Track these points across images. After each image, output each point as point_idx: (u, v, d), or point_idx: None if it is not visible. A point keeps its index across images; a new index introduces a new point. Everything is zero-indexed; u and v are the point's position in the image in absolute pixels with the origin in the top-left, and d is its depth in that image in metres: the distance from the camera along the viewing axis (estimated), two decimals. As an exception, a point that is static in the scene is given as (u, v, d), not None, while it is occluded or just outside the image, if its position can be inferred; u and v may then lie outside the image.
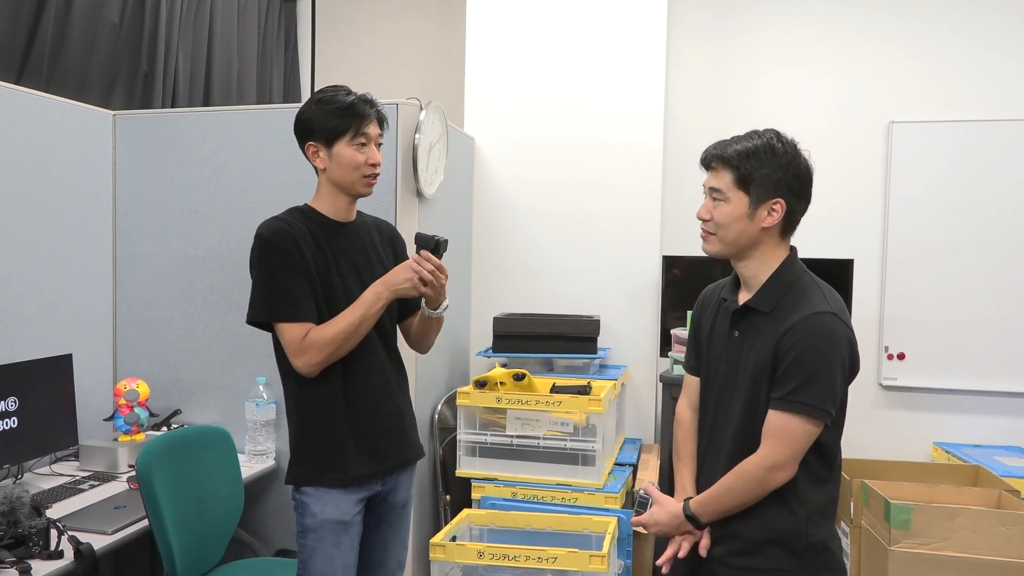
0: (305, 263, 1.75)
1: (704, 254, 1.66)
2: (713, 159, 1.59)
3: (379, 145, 1.84)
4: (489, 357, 3.11)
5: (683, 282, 3.29)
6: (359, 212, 1.94)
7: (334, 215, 1.85)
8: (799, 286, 1.56)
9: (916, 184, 3.46)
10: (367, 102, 1.81)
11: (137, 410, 2.52)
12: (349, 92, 1.82)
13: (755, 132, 1.59)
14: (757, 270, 1.59)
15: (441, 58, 4.07)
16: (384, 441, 1.84)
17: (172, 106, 3.21)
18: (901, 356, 3.49)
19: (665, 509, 1.65)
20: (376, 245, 1.93)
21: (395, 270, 1.80)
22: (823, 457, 1.55)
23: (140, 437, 2.51)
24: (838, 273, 3.19)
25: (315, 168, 1.84)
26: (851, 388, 1.59)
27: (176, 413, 2.70)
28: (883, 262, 3.51)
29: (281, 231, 1.76)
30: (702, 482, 1.65)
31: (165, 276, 2.74)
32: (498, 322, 3.05)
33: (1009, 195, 3.38)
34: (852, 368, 1.54)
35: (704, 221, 1.61)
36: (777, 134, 1.57)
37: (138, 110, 2.99)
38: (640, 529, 1.70)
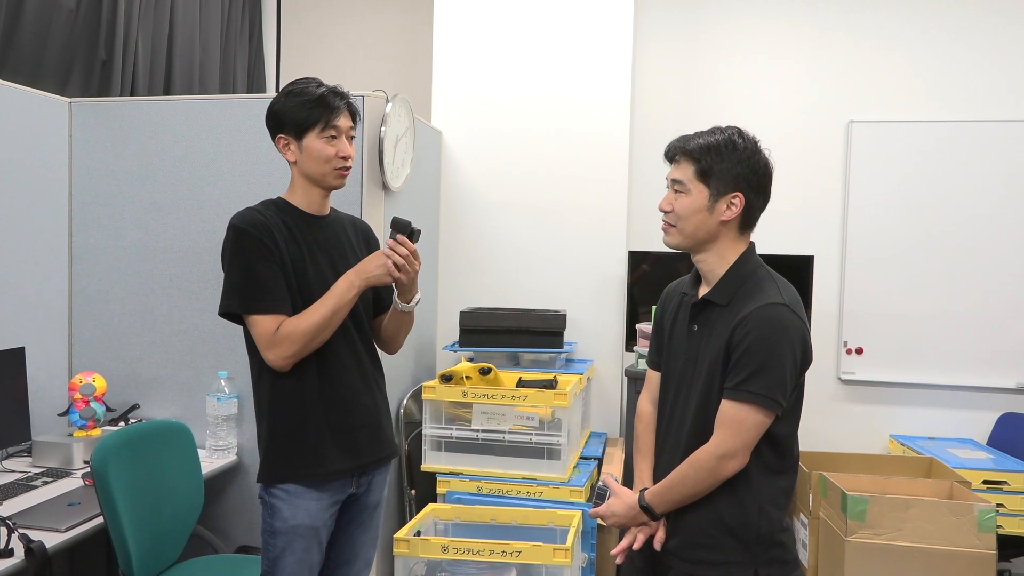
0: (280, 254, 1.72)
1: (667, 248, 1.67)
2: (676, 152, 1.62)
3: (351, 138, 1.82)
4: (455, 351, 3.09)
5: (648, 277, 3.30)
6: (333, 208, 1.91)
7: (308, 208, 1.82)
8: (754, 279, 1.58)
9: (875, 183, 3.53)
10: (337, 94, 1.78)
11: (93, 405, 2.45)
12: (320, 84, 1.79)
13: (718, 128, 1.61)
14: (715, 264, 1.61)
15: (408, 50, 4.03)
16: (362, 436, 1.81)
17: (131, 95, 3.13)
18: (859, 351, 3.56)
19: (622, 500, 1.66)
20: (351, 240, 1.91)
21: (367, 258, 1.79)
22: (777, 449, 1.56)
23: (96, 432, 2.45)
24: (798, 269, 3.24)
25: (288, 161, 1.81)
26: (810, 382, 1.61)
27: (134, 408, 2.63)
28: (842, 259, 3.57)
29: (255, 221, 1.72)
30: (659, 475, 1.66)
31: (123, 268, 2.67)
32: (464, 316, 3.04)
33: (965, 194, 3.46)
34: (804, 359, 1.55)
35: (665, 213, 1.63)
36: (739, 131, 1.60)
37: (95, 98, 2.91)
38: (599, 521, 1.71)
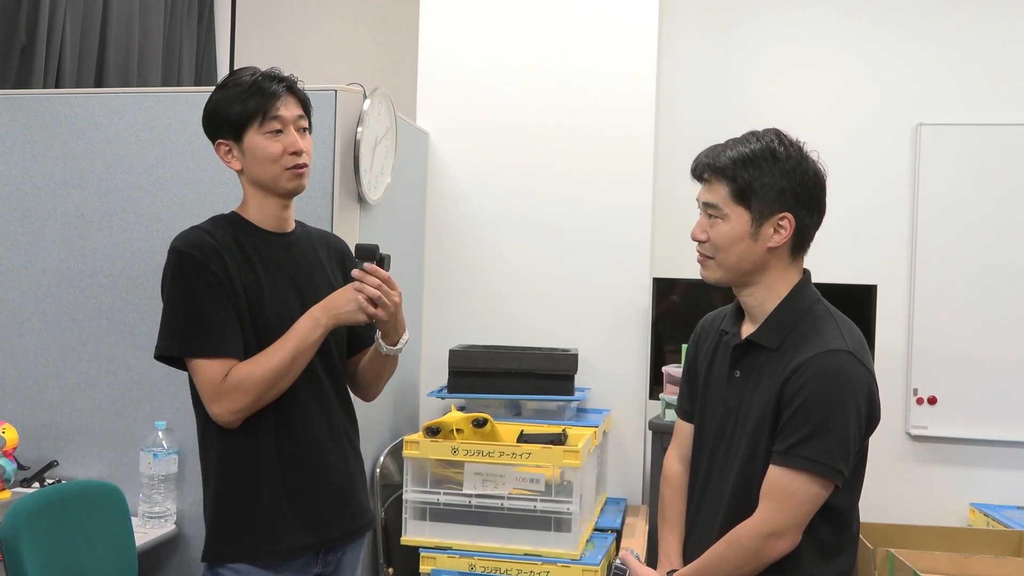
0: (231, 283, 1.72)
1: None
2: (705, 169, 1.63)
3: (303, 129, 1.81)
4: (443, 398, 3.10)
5: (678, 310, 3.32)
6: (300, 223, 1.92)
7: (265, 224, 1.83)
8: (811, 317, 1.60)
9: (949, 197, 3.56)
10: (273, 77, 1.77)
11: (2, 461, 2.45)
12: (255, 71, 1.79)
13: (753, 134, 1.62)
14: (763, 299, 1.63)
15: (390, 37, 4.08)
16: (329, 504, 1.81)
17: (56, 86, 3.17)
18: (932, 400, 3.56)
19: None
20: (322, 262, 1.91)
21: (337, 292, 1.79)
22: (834, 523, 1.57)
23: (5, 495, 2.44)
24: (859, 301, 3.26)
25: (235, 171, 1.82)
26: (873, 438, 1.61)
27: (52, 465, 2.63)
28: (911, 288, 3.59)
29: (201, 243, 1.73)
30: (691, 551, 1.67)
31: (40, 295, 2.68)
32: (455, 356, 3.04)
33: (1056, 212, 3.50)
34: (870, 419, 1.56)
35: (700, 243, 1.64)
36: (778, 135, 1.61)
37: (12, 90, 2.94)
38: None
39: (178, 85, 3.87)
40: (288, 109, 1.77)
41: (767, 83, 3.72)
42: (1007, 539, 2.99)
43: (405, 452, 2.63)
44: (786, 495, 1.51)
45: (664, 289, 3.34)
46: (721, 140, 1.69)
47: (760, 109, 3.64)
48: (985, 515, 3.36)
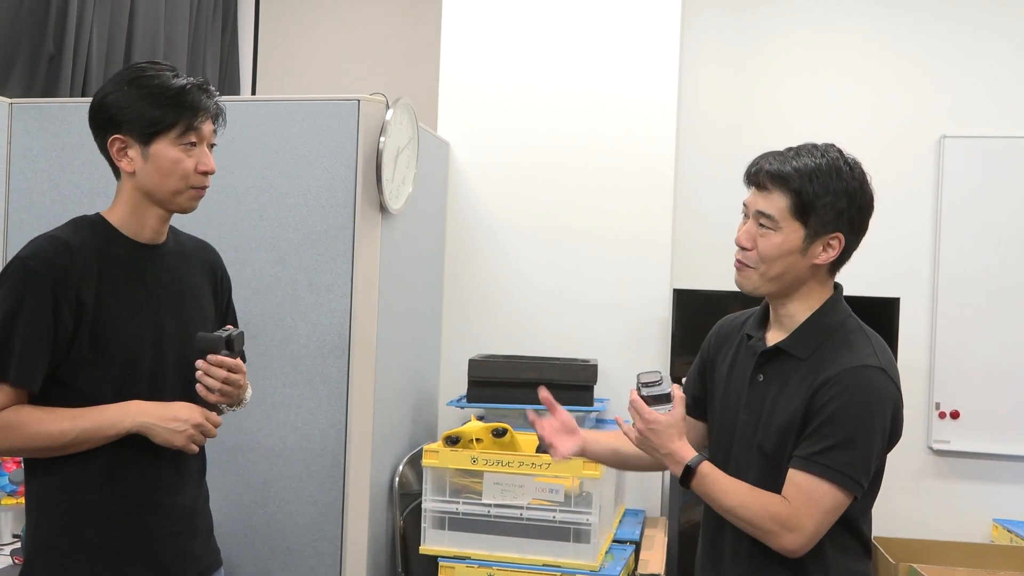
0: (71, 307, 1.56)
1: (729, 287, 1.69)
2: (767, 178, 1.58)
3: (212, 146, 1.68)
4: (462, 408, 3.10)
5: (698, 321, 3.30)
6: (173, 230, 1.75)
7: (137, 235, 1.66)
8: (843, 332, 1.60)
9: (973, 209, 3.54)
10: (204, 89, 1.65)
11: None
12: (177, 73, 1.65)
13: (814, 147, 1.60)
14: (796, 309, 1.63)
15: (411, 46, 4.11)
16: (170, 549, 1.67)
17: (82, 95, 3.21)
18: (955, 415, 3.54)
19: (674, 429, 1.58)
20: (194, 278, 1.77)
21: (173, 407, 1.62)
22: (851, 532, 1.58)
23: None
24: (881, 314, 3.24)
25: (117, 170, 1.66)
26: (894, 452, 1.63)
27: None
28: (934, 301, 3.57)
29: (53, 262, 1.56)
30: (707, 547, 1.70)
31: (67, 301, 2.71)
32: (474, 365, 3.05)
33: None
34: (892, 436, 1.58)
35: (744, 250, 1.62)
36: (840, 151, 1.60)
37: (40, 98, 2.98)
38: (631, 414, 1.61)
39: (201, 94, 3.90)
40: (208, 124, 1.66)
41: (789, 95, 3.71)
42: (1031, 556, 2.96)
43: (424, 461, 2.63)
44: (809, 499, 1.51)
45: (685, 301, 3.33)
46: (742, 153, 1.68)
47: (782, 121, 3.64)
48: (1008, 531, 3.32)
